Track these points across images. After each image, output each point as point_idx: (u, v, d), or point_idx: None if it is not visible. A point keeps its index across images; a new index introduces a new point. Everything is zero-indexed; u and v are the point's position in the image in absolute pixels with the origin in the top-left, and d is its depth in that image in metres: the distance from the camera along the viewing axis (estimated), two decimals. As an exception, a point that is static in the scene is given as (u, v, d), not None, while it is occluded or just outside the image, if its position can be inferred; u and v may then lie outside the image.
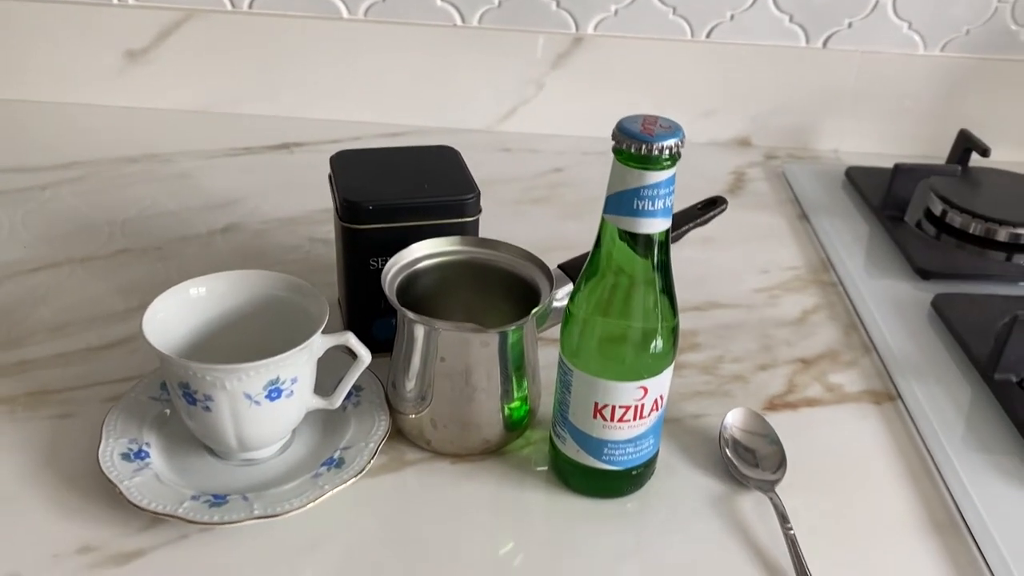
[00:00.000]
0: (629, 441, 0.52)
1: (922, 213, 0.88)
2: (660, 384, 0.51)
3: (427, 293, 0.60)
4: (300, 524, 0.52)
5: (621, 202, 0.46)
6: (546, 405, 0.60)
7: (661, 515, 0.55)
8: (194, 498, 0.51)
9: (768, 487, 0.55)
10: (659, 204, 0.46)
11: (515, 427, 0.58)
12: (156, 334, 0.52)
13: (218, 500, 0.51)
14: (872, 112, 1.04)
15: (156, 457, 0.55)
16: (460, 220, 0.63)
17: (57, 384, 0.63)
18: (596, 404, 0.51)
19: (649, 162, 0.45)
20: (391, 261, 0.58)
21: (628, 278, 0.48)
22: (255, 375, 0.50)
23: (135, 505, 0.50)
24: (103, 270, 0.76)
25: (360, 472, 0.53)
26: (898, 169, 0.87)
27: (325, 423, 0.58)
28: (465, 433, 0.57)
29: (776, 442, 0.58)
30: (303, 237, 0.83)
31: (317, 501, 0.51)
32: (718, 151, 1.05)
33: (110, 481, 0.51)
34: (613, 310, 0.49)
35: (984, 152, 0.89)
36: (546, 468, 0.57)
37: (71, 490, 0.54)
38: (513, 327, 0.54)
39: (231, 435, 0.53)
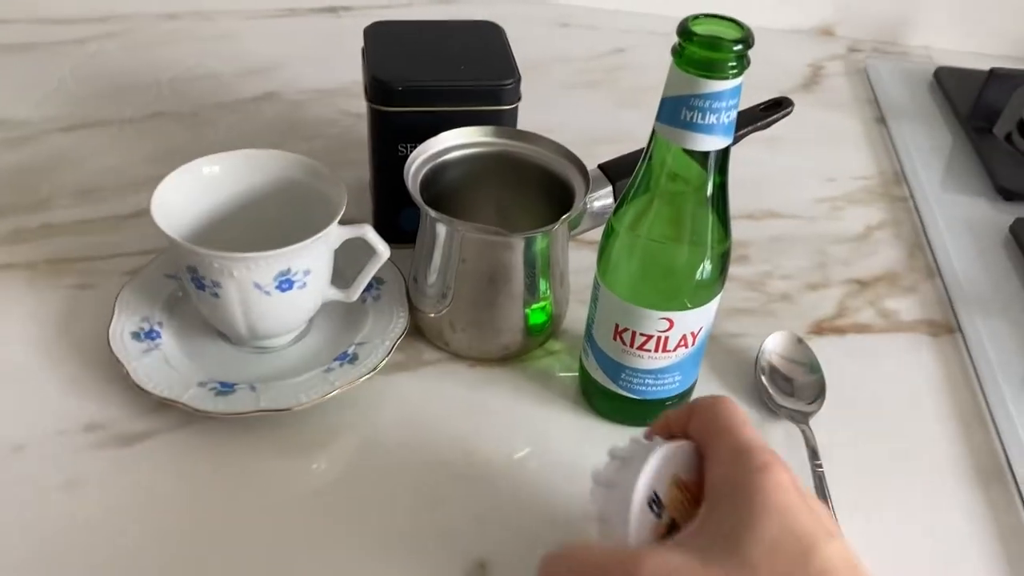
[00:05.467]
0: (649, 372, 0.48)
1: (1014, 125, 0.79)
2: (691, 320, 0.47)
3: (454, 186, 0.56)
4: (310, 418, 0.50)
5: (675, 111, 0.41)
6: (573, 313, 0.57)
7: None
8: (201, 384, 0.50)
9: (802, 418, 0.52)
10: (718, 118, 0.40)
11: (537, 334, 0.55)
12: (165, 214, 0.50)
13: (225, 388, 0.50)
14: (971, 4, 0.94)
15: (167, 338, 0.53)
16: (497, 108, 0.58)
17: (78, 252, 0.61)
18: (616, 326, 0.47)
19: (711, 68, 0.39)
20: (415, 152, 0.54)
21: (674, 199, 0.44)
22: (265, 265, 0.48)
23: (140, 387, 0.49)
24: (136, 134, 0.74)
25: (372, 370, 0.51)
26: (993, 74, 0.78)
27: (344, 314, 0.56)
28: (484, 337, 0.54)
29: (816, 370, 0.55)
30: (341, 111, 0.79)
31: (325, 397, 0.49)
32: (797, 40, 0.97)
33: (118, 361, 0.50)
34: (650, 232, 0.45)
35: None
36: (565, 380, 0.55)
37: (82, 365, 0.53)
38: (540, 232, 0.50)
39: (241, 323, 0.51)
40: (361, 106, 0.81)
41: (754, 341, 0.57)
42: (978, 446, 0.53)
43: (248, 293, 0.49)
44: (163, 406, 0.50)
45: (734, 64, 0.40)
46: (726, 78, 0.40)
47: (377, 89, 0.57)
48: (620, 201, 0.46)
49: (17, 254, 0.61)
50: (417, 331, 0.56)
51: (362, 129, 0.77)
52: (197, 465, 0.48)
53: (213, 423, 0.50)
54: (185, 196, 0.52)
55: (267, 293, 0.49)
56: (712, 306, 0.47)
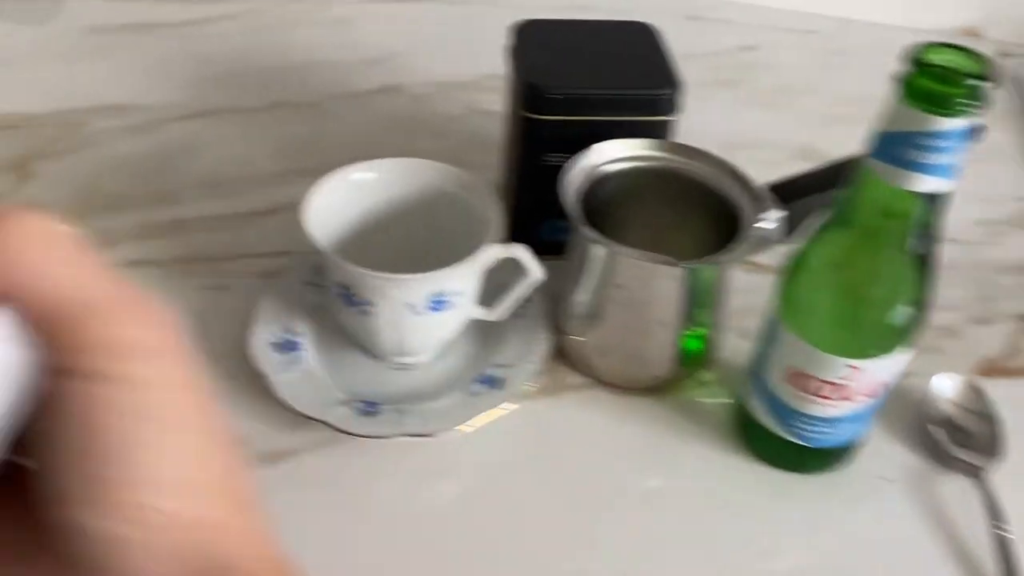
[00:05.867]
0: (825, 420, 0.45)
1: None
2: (881, 370, 0.43)
3: (608, 201, 0.53)
4: (451, 440, 0.48)
5: (896, 148, 0.37)
6: (734, 350, 0.54)
7: (845, 488, 0.49)
8: (345, 403, 0.48)
9: (978, 472, 0.48)
10: (946, 158, 0.37)
11: (690, 364, 0.52)
12: (318, 224, 0.47)
13: (370, 409, 0.48)
14: None
15: (308, 350, 0.51)
16: (657, 118, 0.54)
17: (209, 251, 0.60)
18: (795, 370, 0.44)
19: (944, 104, 0.35)
20: (574, 166, 0.51)
21: (883, 239, 0.40)
22: (418, 286, 0.46)
23: (286, 405, 0.47)
24: (258, 124, 0.72)
25: (518, 394, 0.49)
26: None
27: (482, 331, 0.53)
28: (634, 366, 0.51)
29: (992, 420, 0.50)
30: (464, 106, 0.76)
31: (471, 423, 0.47)
32: (940, 42, 0.90)
33: (261, 373, 0.49)
34: (850, 272, 0.41)
35: None
36: (717, 415, 0.51)
37: (220, 373, 0.51)
38: (711, 263, 0.46)
39: (388, 340, 0.49)
40: (484, 100, 0.79)
41: (918, 380, 0.53)
42: None
43: (400, 313, 0.47)
44: (303, 423, 0.48)
45: (971, 100, 0.35)
46: (960, 115, 0.36)
47: (531, 96, 0.54)
48: (814, 235, 0.43)
49: (150, 250, 0.59)
50: (559, 353, 0.53)
51: (486, 126, 0.75)
52: (340, 485, 0.47)
53: (354, 444, 0.48)
54: (334, 203, 0.50)
55: (418, 313, 0.47)
56: (906, 356, 0.43)
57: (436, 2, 0.90)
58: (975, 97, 0.35)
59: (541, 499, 0.47)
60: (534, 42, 0.57)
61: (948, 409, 0.51)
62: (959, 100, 0.35)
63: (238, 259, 0.59)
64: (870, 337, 0.42)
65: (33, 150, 0.67)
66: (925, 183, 0.37)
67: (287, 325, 0.52)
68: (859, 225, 0.40)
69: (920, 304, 0.41)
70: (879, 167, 0.38)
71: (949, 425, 0.50)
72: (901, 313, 0.41)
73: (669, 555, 0.45)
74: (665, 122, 0.55)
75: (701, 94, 0.81)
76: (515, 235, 0.60)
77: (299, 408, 0.47)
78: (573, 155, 0.55)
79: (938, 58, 0.36)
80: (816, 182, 0.51)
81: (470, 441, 0.48)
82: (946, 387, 0.52)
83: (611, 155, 0.52)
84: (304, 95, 0.76)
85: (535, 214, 0.59)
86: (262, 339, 0.51)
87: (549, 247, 0.59)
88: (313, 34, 0.84)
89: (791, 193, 0.52)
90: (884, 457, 0.50)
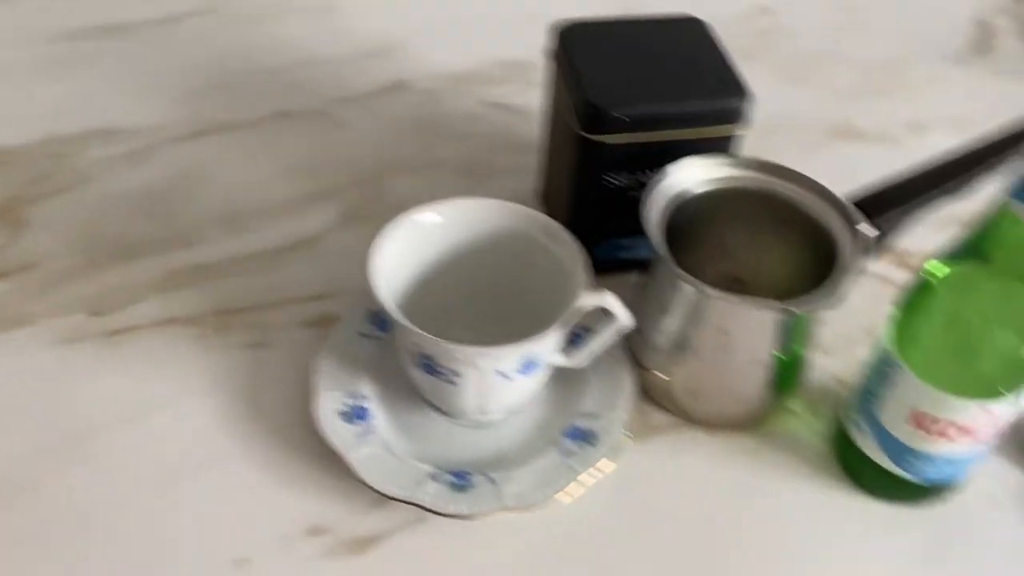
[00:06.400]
0: (947, 459, 0.43)
1: None
2: (1006, 410, 0.41)
3: (683, 223, 0.49)
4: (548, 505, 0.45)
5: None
6: (813, 367, 0.51)
7: (957, 516, 0.47)
8: (433, 478, 0.45)
9: (1087, 488, 0.47)
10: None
11: (782, 398, 0.50)
12: (387, 285, 0.43)
13: (460, 481, 0.45)
14: None
15: (378, 415, 0.47)
16: (726, 133, 0.51)
17: (241, 300, 0.55)
18: (918, 412, 0.42)
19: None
20: (651, 195, 0.47)
21: (1017, 280, 0.37)
22: (510, 354, 0.42)
23: (370, 486, 0.43)
24: (262, 139, 0.66)
25: (615, 450, 0.46)
26: None
27: (557, 375, 0.50)
28: (726, 404, 0.49)
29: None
30: (479, 101, 0.71)
31: (571, 488, 0.44)
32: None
33: (336, 452, 0.45)
34: (985, 311, 0.38)
35: None
36: (814, 447, 0.49)
37: (286, 450, 0.47)
38: (820, 306, 0.43)
39: (472, 404, 0.45)
40: (496, 93, 0.73)
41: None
42: None
43: (489, 379, 0.43)
44: (384, 500, 0.44)
45: None
46: None
47: (591, 116, 0.49)
48: (941, 264, 0.40)
49: (176, 304, 0.54)
50: (641, 390, 0.50)
51: (507, 122, 0.70)
52: (437, 569, 0.44)
53: (444, 520, 0.44)
54: (398, 256, 0.45)
55: (509, 379, 0.43)
56: (1027, 392, 0.41)
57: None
58: None
59: (649, 557, 0.44)
60: (582, 48, 0.52)
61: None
62: None
63: (275, 307, 0.54)
64: (1002, 378, 0.40)
65: (20, 191, 0.60)
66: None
67: (351, 389, 0.48)
68: (996, 265, 0.38)
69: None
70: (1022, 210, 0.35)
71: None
72: (1037, 353, 0.39)
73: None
74: (733, 133, 0.51)
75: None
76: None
77: (386, 491, 0.43)
78: (632, 172, 0.52)
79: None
80: (904, 194, 0.48)
81: (566, 504, 0.45)
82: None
83: (689, 177, 0.48)
84: (305, 101, 0.70)
85: (592, 234, 0.55)
86: (327, 409, 0.47)
87: (605, 265, 0.56)
88: (301, 25, 0.77)
89: (879, 207, 0.48)
90: (994, 479, 0.48)
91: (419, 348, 0.43)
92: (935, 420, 0.41)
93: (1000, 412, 0.41)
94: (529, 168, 0.62)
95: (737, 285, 0.53)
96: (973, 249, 0.38)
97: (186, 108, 0.68)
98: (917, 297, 0.41)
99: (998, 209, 0.37)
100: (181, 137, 0.65)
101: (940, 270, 0.40)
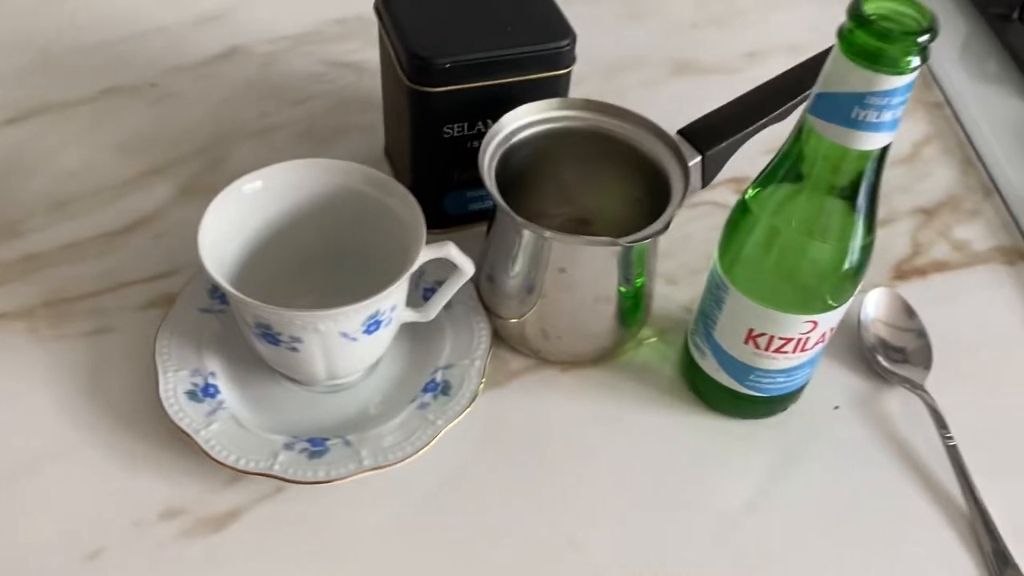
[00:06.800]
0: (782, 371, 0.45)
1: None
2: (833, 318, 0.43)
3: (518, 170, 0.49)
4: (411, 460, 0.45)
5: (841, 108, 0.35)
6: (661, 297, 0.53)
7: (801, 423, 0.49)
8: (288, 447, 0.44)
9: (917, 386, 0.50)
10: (892, 114, 0.35)
11: (631, 327, 0.51)
12: (216, 259, 0.42)
13: (317, 447, 0.44)
14: None
15: (227, 391, 0.46)
16: (554, 74, 0.51)
17: (77, 287, 0.52)
18: (751, 331, 0.43)
19: (889, 63, 0.34)
20: (485, 143, 0.47)
21: (829, 194, 0.39)
22: (354, 315, 0.41)
23: (221, 463, 0.43)
24: (91, 118, 0.63)
25: (472, 399, 0.46)
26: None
27: (414, 331, 0.50)
28: (578, 342, 0.50)
29: (924, 335, 0.52)
30: (322, 61, 0.69)
31: (433, 442, 0.44)
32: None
33: (185, 433, 0.44)
34: (799, 229, 0.40)
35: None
36: (666, 373, 0.51)
37: (134, 435, 0.46)
38: (650, 237, 0.44)
39: (320, 369, 0.44)
40: (339, 51, 0.72)
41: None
42: (1084, 383, 0.52)
43: (333, 343, 0.42)
44: (247, 473, 0.44)
45: (917, 57, 0.34)
46: (906, 72, 0.34)
47: (417, 68, 0.49)
48: (756, 185, 0.41)
49: (6, 299, 0.51)
50: (495, 336, 0.51)
51: (352, 82, 0.68)
52: (300, 538, 0.43)
53: (303, 487, 0.44)
54: (230, 224, 0.44)
55: (354, 339, 0.43)
56: (852, 299, 0.43)
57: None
58: (920, 52, 0.34)
59: (511, 499, 0.45)
60: (408, 2, 0.51)
61: (880, 331, 0.52)
62: (904, 57, 0.34)
63: (113, 291, 0.52)
64: (827, 291, 0.42)
65: None
66: (872, 140, 0.36)
67: (195, 367, 0.47)
68: (805, 182, 0.39)
69: (871, 247, 0.41)
70: (824, 127, 0.37)
71: (884, 345, 0.51)
72: (854, 263, 0.41)
73: (644, 517, 0.45)
74: (563, 75, 0.51)
75: (568, 9, 0.77)
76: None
77: (239, 466, 0.42)
78: (471, 123, 0.51)
79: (877, 7, 0.34)
80: (731, 122, 0.49)
81: (428, 456, 0.45)
82: (880, 310, 0.53)
83: (520, 121, 0.48)
84: (137, 75, 0.66)
85: (436, 188, 0.54)
86: (173, 389, 0.45)
87: (454, 219, 0.56)
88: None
89: (708, 140, 0.49)
90: (832, 385, 0.51)
91: (256, 318, 0.42)
92: (767, 336, 0.43)
93: (826, 322, 0.43)
94: (376, 126, 0.61)
95: (582, 226, 0.54)
96: (783, 168, 0.40)
97: (8, 90, 0.64)
98: (738, 220, 0.42)
99: (800, 126, 0.38)
100: (4, 121, 0.62)
101: (755, 191, 0.41)
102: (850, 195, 0.39)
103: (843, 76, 0.35)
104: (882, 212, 0.60)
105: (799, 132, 0.38)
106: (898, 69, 0.34)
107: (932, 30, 0.34)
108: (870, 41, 0.34)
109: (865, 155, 0.37)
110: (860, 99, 0.35)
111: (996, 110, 0.69)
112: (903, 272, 0.58)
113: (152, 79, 0.66)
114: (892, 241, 0.59)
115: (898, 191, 0.63)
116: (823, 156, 0.38)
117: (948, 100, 0.70)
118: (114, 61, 0.67)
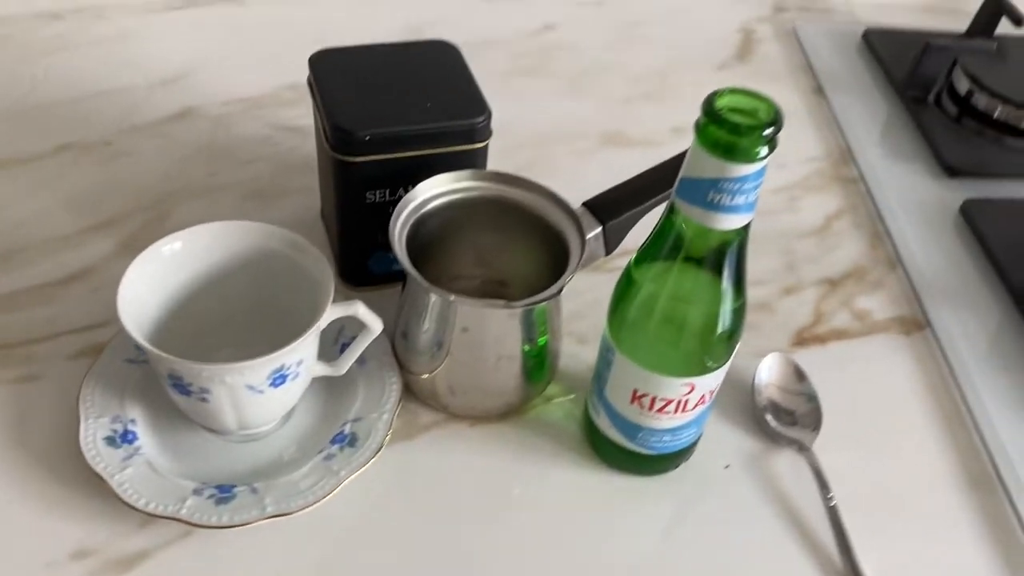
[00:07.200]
0: (668, 431, 0.48)
1: (944, 88, 0.81)
2: (712, 380, 0.46)
3: (435, 235, 0.53)
4: (315, 509, 0.47)
5: (699, 192, 0.39)
6: (570, 357, 0.56)
7: (692, 480, 0.52)
8: (196, 492, 0.46)
9: (805, 448, 0.53)
10: (746, 198, 0.39)
11: (536, 384, 0.54)
12: (133, 312, 0.45)
13: (224, 494, 0.47)
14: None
15: (145, 438, 0.49)
16: (470, 147, 0.54)
17: (13, 335, 0.55)
18: (636, 391, 0.46)
19: (739, 154, 0.37)
20: (397, 212, 0.50)
21: (699, 266, 0.42)
22: (260, 368, 0.44)
23: (132, 506, 0.45)
24: (43, 174, 0.66)
25: (377, 451, 0.49)
26: (929, 48, 0.79)
27: (328, 385, 0.52)
28: (485, 398, 0.52)
29: (814, 398, 0.55)
30: (270, 124, 0.73)
31: (335, 492, 0.47)
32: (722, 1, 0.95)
33: (100, 477, 0.46)
34: (674, 298, 0.43)
35: (1018, 21, 0.81)
36: (569, 429, 0.53)
37: (52, 479, 0.48)
38: (544, 300, 0.47)
39: (231, 420, 0.47)
40: (288, 116, 0.76)
41: (742, 360, 0.57)
42: (964, 451, 0.55)
43: (240, 394, 0.45)
44: (153, 518, 0.46)
45: (764, 148, 0.38)
46: (755, 161, 0.38)
47: (340, 140, 0.52)
48: (639, 258, 0.44)
49: (-58, 345, 0.54)
50: (407, 391, 0.53)
51: (296, 145, 0.72)
52: (205, 580, 0.45)
53: (212, 532, 0.46)
54: (150, 281, 0.47)
55: (260, 392, 0.46)
56: (730, 361, 0.46)
57: (219, 6, 0.85)
58: (767, 143, 0.38)
59: (410, 551, 0.48)
60: (334, 75, 0.55)
61: (773, 394, 0.55)
62: (752, 148, 0.37)
63: (44, 341, 0.55)
64: (703, 355, 0.45)
65: None
66: (729, 221, 0.40)
67: (116, 414, 0.49)
68: (678, 254, 0.42)
69: (742, 311, 0.44)
70: (687, 208, 0.40)
71: (775, 408, 0.54)
72: (727, 326, 0.44)
73: (538, 567, 0.47)
74: (479, 148, 0.55)
75: (507, 86, 0.81)
76: (343, 268, 0.59)
77: (146, 508, 0.45)
78: (392, 190, 0.55)
79: (729, 102, 0.38)
80: (632, 196, 0.53)
81: (333, 505, 0.48)
82: (773, 374, 0.56)
83: (432, 192, 0.52)
84: (91, 132, 0.70)
85: (363, 248, 0.58)
86: (92, 435, 0.48)
87: (379, 279, 0.59)
88: (90, 56, 0.77)
89: (609, 211, 0.53)
90: (724, 444, 0.54)
91: (169, 370, 0.44)
92: (649, 397, 0.46)
93: (704, 384, 0.46)
94: (316, 189, 0.65)
95: (499, 287, 0.58)
96: (659, 242, 0.43)
97: (-39, 146, 0.67)
98: (623, 288, 0.46)
99: (670, 205, 0.42)
100: (-45, 176, 0.65)
101: (637, 262, 0.45)
102: (717, 266, 0.42)
103: (700, 164, 0.39)
104: (789, 281, 0.65)
105: (670, 211, 0.42)
106: (748, 158, 0.38)
107: (776, 123, 0.38)
108: (721, 135, 0.38)
109: (727, 232, 0.40)
110: (715, 184, 0.38)
111: (907, 187, 0.73)
112: (803, 339, 0.61)
113: (108, 137, 0.70)
114: (796, 309, 0.63)
115: (807, 261, 0.67)
116: (690, 233, 0.41)
117: (863, 176, 0.74)
118: (76, 118, 0.71)
